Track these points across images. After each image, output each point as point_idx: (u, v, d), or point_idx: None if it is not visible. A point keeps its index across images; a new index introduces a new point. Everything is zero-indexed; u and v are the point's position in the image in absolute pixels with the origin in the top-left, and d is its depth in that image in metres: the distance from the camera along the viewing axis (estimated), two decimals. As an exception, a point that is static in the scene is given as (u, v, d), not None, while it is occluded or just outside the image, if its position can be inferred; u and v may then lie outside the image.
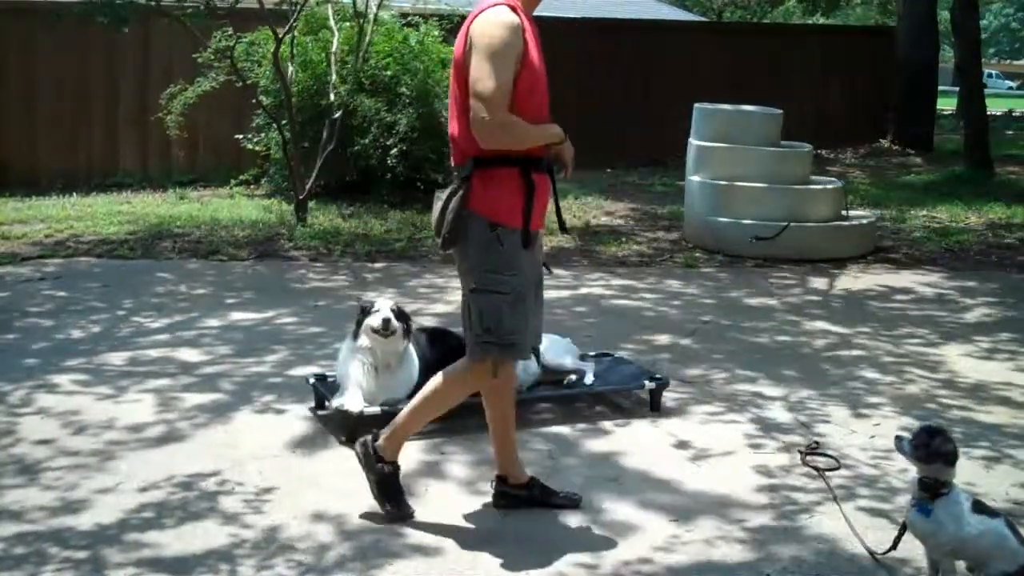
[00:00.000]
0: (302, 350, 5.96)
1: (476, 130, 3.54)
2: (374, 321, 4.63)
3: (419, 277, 7.95)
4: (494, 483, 4.00)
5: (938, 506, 3.26)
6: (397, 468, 3.88)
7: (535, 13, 3.72)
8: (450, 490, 4.15)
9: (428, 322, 5.98)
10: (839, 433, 4.81)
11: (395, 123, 10.39)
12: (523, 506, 3.93)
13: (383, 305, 4.69)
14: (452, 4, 12.45)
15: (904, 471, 4.32)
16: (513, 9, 3.58)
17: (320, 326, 6.41)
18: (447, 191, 3.67)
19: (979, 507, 3.30)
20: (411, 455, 4.45)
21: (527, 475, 4.00)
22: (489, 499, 4.02)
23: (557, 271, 8.27)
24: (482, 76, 3.50)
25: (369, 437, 3.87)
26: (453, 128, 3.68)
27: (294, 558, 3.53)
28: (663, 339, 6.36)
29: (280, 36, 9.56)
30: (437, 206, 3.68)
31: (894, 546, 3.47)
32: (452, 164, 3.74)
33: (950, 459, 3.27)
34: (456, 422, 4.80)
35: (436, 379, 3.88)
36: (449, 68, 11.68)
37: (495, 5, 3.58)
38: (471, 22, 3.61)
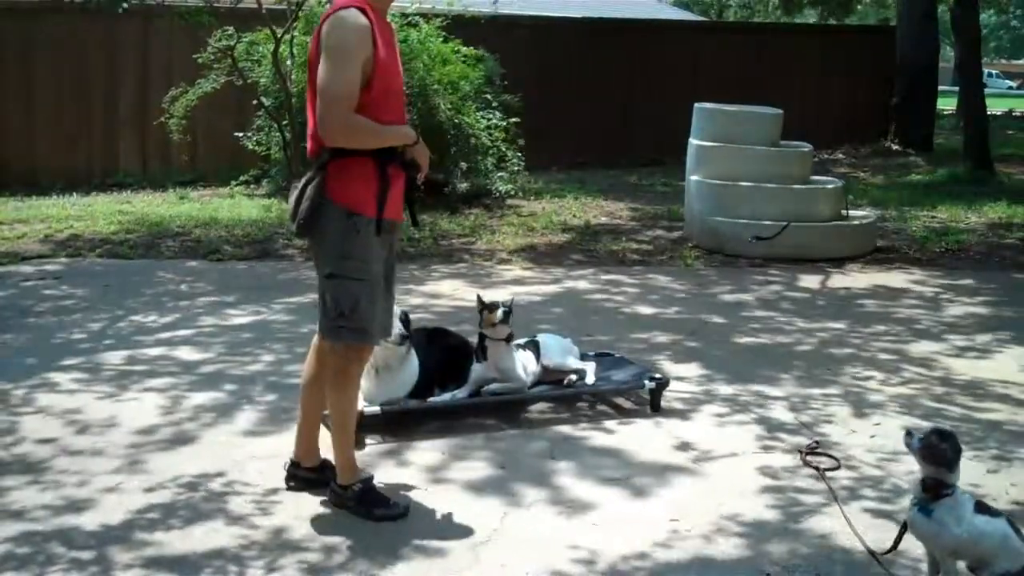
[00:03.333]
0: (302, 349, 5.94)
1: (322, 130, 3.60)
2: (391, 335, 4.59)
3: (418, 277, 7.95)
4: (287, 465, 4.10)
5: (940, 507, 3.26)
6: (367, 482, 3.91)
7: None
8: (450, 490, 4.15)
9: (425, 322, 5.98)
10: (840, 433, 4.82)
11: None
12: (315, 487, 4.01)
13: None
14: (453, 4, 12.45)
15: (909, 473, 4.33)
16: (363, 11, 3.61)
17: (321, 326, 6.41)
18: (303, 180, 3.73)
19: (982, 507, 3.30)
20: (411, 456, 4.46)
21: (320, 460, 4.09)
22: (489, 500, 4.04)
23: (557, 271, 8.28)
24: (328, 78, 3.56)
25: (333, 483, 3.93)
26: (310, 122, 3.74)
27: (302, 558, 3.54)
28: (663, 338, 6.37)
29: (279, 36, 9.56)
30: (293, 195, 3.74)
31: (895, 546, 3.47)
32: (308, 153, 3.80)
33: (953, 463, 3.27)
34: (456, 422, 4.81)
35: (331, 408, 3.93)
36: (449, 66, 11.74)
37: (346, 7, 3.61)
38: (323, 22, 3.66)
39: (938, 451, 3.27)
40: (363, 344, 3.87)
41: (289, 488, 4.07)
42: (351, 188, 3.67)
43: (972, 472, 4.33)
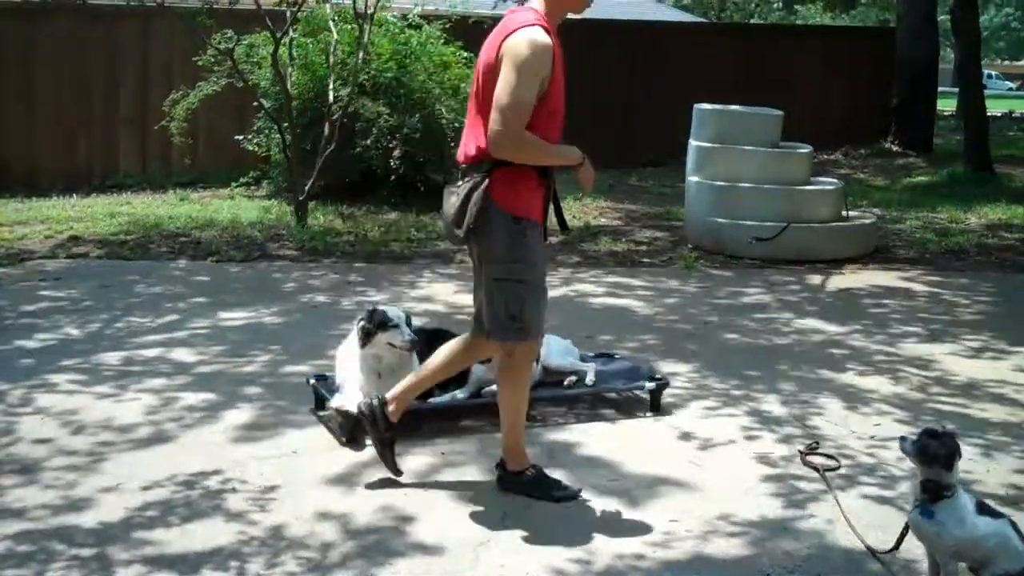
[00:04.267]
0: (301, 350, 5.96)
1: (491, 141, 3.70)
2: (396, 339, 4.57)
3: (418, 279, 7.96)
4: (497, 468, 4.14)
5: (940, 508, 3.26)
6: (538, 469, 4.10)
7: None
8: (450, 491, 4.15)
9: (425, 323, 5.97)
10: (838, 433, 4.82)
11: (398, 126, 10.40)
12: (521, 492, 4.06)
13: (399, 318, 4.63)
14: (453, 5, 12.44)
15: (903, 459, 4.34)
16: (547, 31, 3.71)
17: (319, 327, 6.41)
18: (464, 185, 3.83)
19: (983, 508, 3.31)
20: (411, 456, 4.46)
21: (528, 463, 4.13)
22: (489, 500, 4.04)
23: (556, 271, 8.28)
24: (507, 92, 3.65)
25: (375, 400, 4.15)
26: (473, 128, 3.85)
27: (301, 555, 3.54)
28: (663, 339, 6.37)
29: (278, 37, 9.56)
30: (452, 200, 3.85)
31: (896, 546, 3.47)
32: (463, 158, 3.89)
33: (949, 462, 3.27)
34: (455, 423, 4.81)
35: (446, 349, 4.19)
36: (450, 69, 11.73)
37: (532, 25, 3.69)
38: (507, 35, 3.72)
39: (933, 452, 3.27)
40: (529, 343, 3.99)
41: (503, 491, 4.12)
42: (519, 195, 3.79)
43: (970, 472, 4.34)
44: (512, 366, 4.01)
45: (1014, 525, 3.29)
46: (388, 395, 4.19)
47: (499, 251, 3.82)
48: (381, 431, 4.14)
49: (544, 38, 3.69)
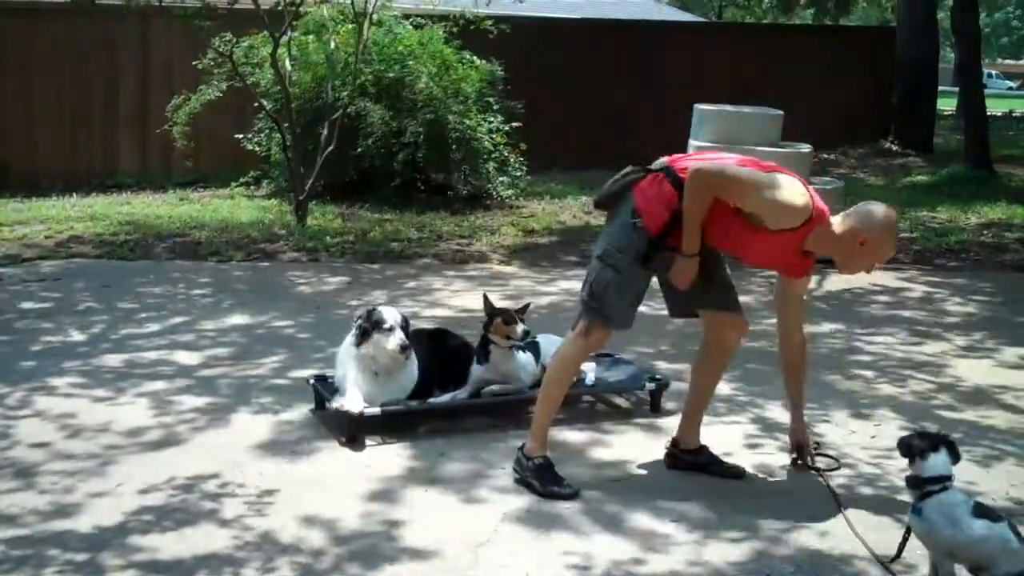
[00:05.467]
0: (301, 352, 5.96)
1: (709, 169, 3.95)
2: (390, 343, 4.59)
3: (418, 279, 7.95)
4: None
5: (928, 505, 3.27)
6: (547, 459, 4.18)
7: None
8: (450, 491, 4.14)
9: (426, 324, 5.97)
10: (838, 434, 4.81)
11: (402, 129, 10.40)
12: (521, 474, 4.20)
13: (393, 320, 4.64)
14: (454, 5, 12.43)
15: (906, 470, 4.33)
16: (811, 217, 3.94)
17: (319, 327, 6.41)
18: (627, 169, 4.16)
19: (981, 510, 3.29)
20: (411, 456, 4.46)
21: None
22: (489, 501, 4.05)
23: (557, 272, 8.27)
24: (754, 177, 3.96)
25: (519, 451, 4.24)
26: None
27: (296, 560, 3.53)
28: (663, 339, 6.36)
29: (277, 37, 9.55)
30: (617, 176, 4.16)
31: (899, 552, 3.46)
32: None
33: (922, 453, 3.30)
34: (455, 423, 4.81)
35: (552, 362, 4.33)
36: (452, 70, 11.68)
37: (811, 203, 3.95)
38: None
39: (909, 445, 3.34)
40: (601, 326, 4.11)
41: (669, 467, 4.35)
42: (651, 199, 4.00)
43: (969, 473, 4.34)
44: (577, 342, 4.15)
45: (1013, 527, 3.27)
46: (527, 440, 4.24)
47: (611, 234, 4.09)
48: (528, 469, 4.17)
49: (806, 213, 3.92)
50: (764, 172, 3.97)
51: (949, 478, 3.32)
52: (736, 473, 4.30)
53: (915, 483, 3.33)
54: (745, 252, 4.17)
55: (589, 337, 4.14)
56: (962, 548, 3.24)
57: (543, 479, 4.10)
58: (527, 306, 4.97)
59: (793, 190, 3.91)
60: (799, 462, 4.37)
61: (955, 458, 3.38)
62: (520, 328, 4.76)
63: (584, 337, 4.14)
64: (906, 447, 3.37)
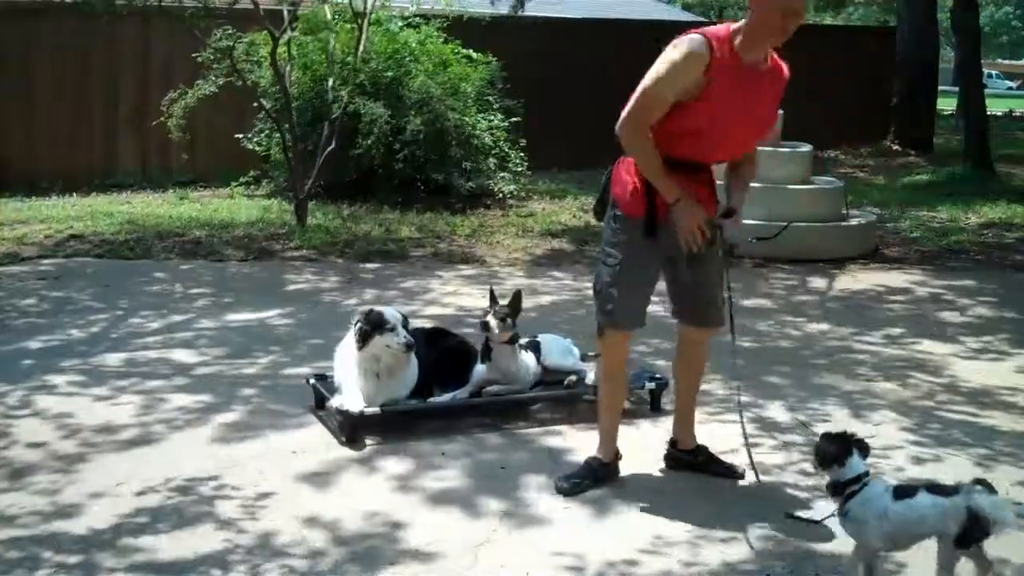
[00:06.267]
0: (300, 351, 5.96)
1: (620, 120, 3.93)
2: (395, 342, 4.59)
3: (418, 278, 7.94)
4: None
5: (853, 505, 3.28)
6: (607, 463, 4.21)
7: None
8: (450, 491, 4.14)
9: (425, 324, 5.97)
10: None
11: (401, 127, 10.40)
12: (689, 469, 4.30)
13: (395, 320, 4.63)
14: (451, 4, 12.43)
15: (902, 470, 4.34)
16: (710, 44, 3.76)
17: (319, 327, 6.40)
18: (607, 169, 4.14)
19: (900, 492, 3.30)
20: (411, 456, 4.45)
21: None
22: (489, 500, 4.04)
23: (557, 272, 8.27)
24: (643, 80, 3.88)
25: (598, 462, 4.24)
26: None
27: (290, 564, 3.51)
28: (662, 339, 6.34)
29: (277, 37, 9.55)
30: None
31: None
32: None
33: (840, 458, 3.30)
34: (456, 423, 4.81)
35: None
36: (450, 68, 11.71)
37: (699, 34, 3.83)
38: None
39: (823, 452, 3.33)
40: (609, 326, 4.11)
41: (669, 468, 4.35)
42: (619, 186, 4.02)
43: (968, 473, 4.33)
44: (603, 352, 4.23)
45: (934, 487, 3.30)
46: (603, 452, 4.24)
47: (603, 232, 4.11)
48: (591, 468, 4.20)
49: (692, 47, 3.76)
50: (656, 66, 3.89)
51: (867, 473, 3.34)
52: (734, 473, 4.29)
53: (837, 489, 3.33)
54: (719, 140, 3.92)
55: (604, 340, 4.15)
56: (901, 534, 3.27)
57: (577, 480, 4.14)
58: (516, 295, 4.89)
59: (675, 44, 3.84)
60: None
61: (865, 454, 3.39)
62: (492, 320, 4.74)
63: (600, 341, 4.17)
64: (824, 456, 3.35)
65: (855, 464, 3.32)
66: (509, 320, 4.80)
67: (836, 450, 3.33)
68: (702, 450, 4.37)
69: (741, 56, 3.82)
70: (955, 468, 4.41)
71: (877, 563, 3.32)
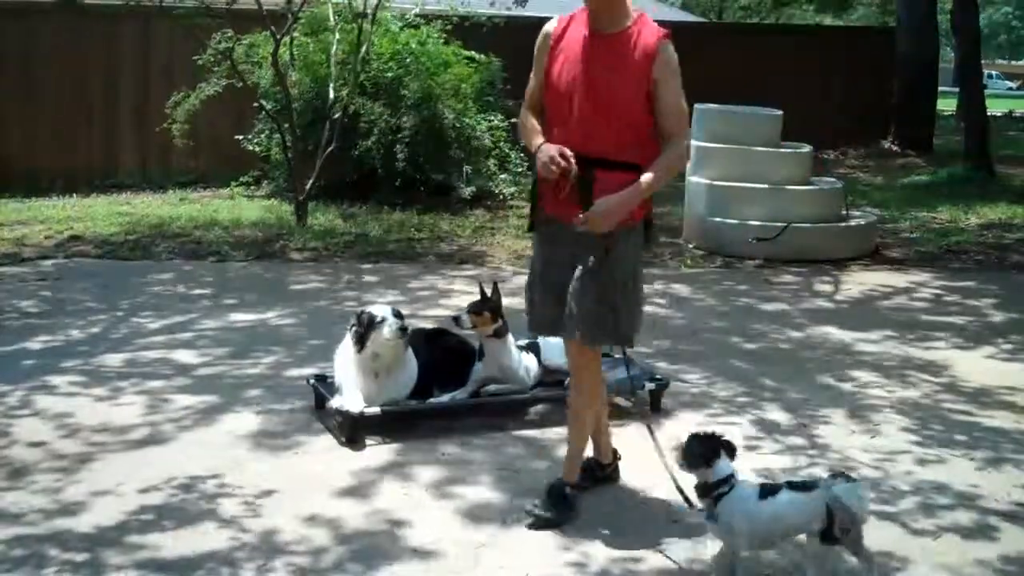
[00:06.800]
0: (301, 351, 5.96)
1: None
2: (385, 332, 4.60)
3: (418, 279, 7.95)
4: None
5: (722, 507, 3.29)
6: (575, 487, 3.97)
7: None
8: (450, 491, 4.14)
9: (427, 324, 5.97)
10: (839, 434, 4.81)
11: (401, 127, 10.40)
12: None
13: (386, 312, 4.66)
14: (452, 5, 12.43)
15: (908, 473, 4.34)
16: (567, 18, 3.78)
17: (319, 327, 6.40)
18: None
19: (765, 492, 3.33)
20: (411, 456, 4.46)
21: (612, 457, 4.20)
22: (489, 501, 4.05)
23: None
24: None
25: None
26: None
27: (293, 561, 3.53)
28: (663, 340, 6.36)
29: (279, 37, 9.55)
30: None
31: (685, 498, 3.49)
32: None
33: (707, 459, 3.32)
34: (456, 423, 4.81)
35: None
36: (451, 69, 11.70)
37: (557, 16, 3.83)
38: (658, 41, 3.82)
39: (692, 453, 3.34)
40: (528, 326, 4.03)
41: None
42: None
43: (970, 475, 4.34)
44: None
45: (797, 484, 3.34)
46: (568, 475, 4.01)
47: None
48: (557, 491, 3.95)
49: (551, 24, 3.80)
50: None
51: (733, 475, 3.35)
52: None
53: (706, 490, 3.34)
54: (557, 114, 3.73)
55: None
56: (767, 533, 3.30)
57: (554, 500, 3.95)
58: (494, 287, 4.88)
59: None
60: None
61: (733, 455, 3.41)
62: (463, 315, 4.80)
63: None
64: (693, 458, 3.36)
65: (723, 466, 3.33)
66: (486, 313, 4.80)
67: (704, 451, 3.34)
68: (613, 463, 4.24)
69: (591, 24, 3.73)
70: (956, 468, 4.42)
71: (741, 564, 3.34)
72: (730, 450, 3.38)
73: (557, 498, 3.90)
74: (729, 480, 3.31)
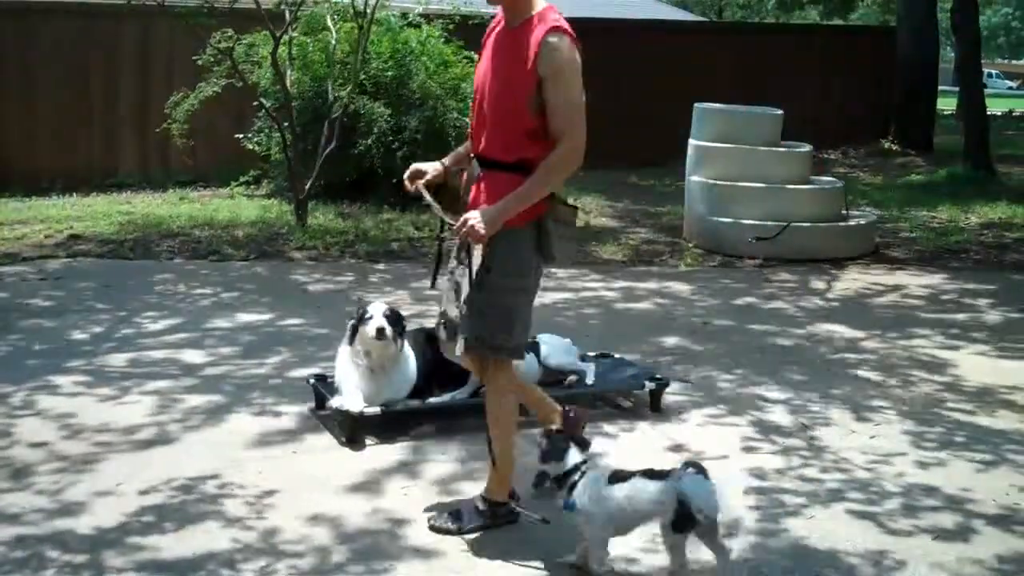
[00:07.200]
0: (302, 351, 5.96)
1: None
2: (368, 330, 4.62)
3: (418, 278, 7.94)
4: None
5: (576, 496, 3.37)
6: (507, 504, 3.81)
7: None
8: (450, 491, 4.14)
9: (426, 323, 5.97)
10: (838, 434, 4.81)
11: (402, 126, 10.40)
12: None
13: (376, 311, 4.67)
14: (454, 5, 12.43)
15: (900, 475, 4.34)
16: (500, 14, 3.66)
17: (320, 327, 6.41)
18: None
19: (615, 478, 3.41)
20: (411, 457, 4.46)
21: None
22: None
23: (557, 272, 8.28)
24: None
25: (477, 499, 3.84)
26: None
27: (294, 562, 3.53)
28: (663, 339, 6.36)
29: (278, 37, 9.55)
30: None
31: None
32: None
33: (561, 453, 3.40)
34: (453, 422, 4.81)
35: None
36: (451, 68, 11.69)
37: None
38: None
39: (543, 447, 3.44)
40: None
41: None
42: None
43: (967, 473, 4.34)
44: None
45: (653, 473, 3.37)
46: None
47: None
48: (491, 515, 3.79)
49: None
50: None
51: (585, 462, 3.44)
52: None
53: (560, 482, 3.42)
54: (474, 110, 3.72)
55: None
56: (619, 519, 3.37)
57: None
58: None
59: None
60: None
61: (584, 446, 3.50)
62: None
63: None
64: (548, 452, 3.43)
65: (573, 455, 3.43)
66: None
67: (556, 446, 3.43)
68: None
69: (505, 17, 3.63)
70: (956, 468, 4.42)
71: (604, 550, 3.41)
72: (581, 444, 3.49)
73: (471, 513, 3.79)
74: (579, 468, 3.42)
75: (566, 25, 3.52)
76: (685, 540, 3.31)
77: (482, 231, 3.45)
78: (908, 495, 4.14)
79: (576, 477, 3.41)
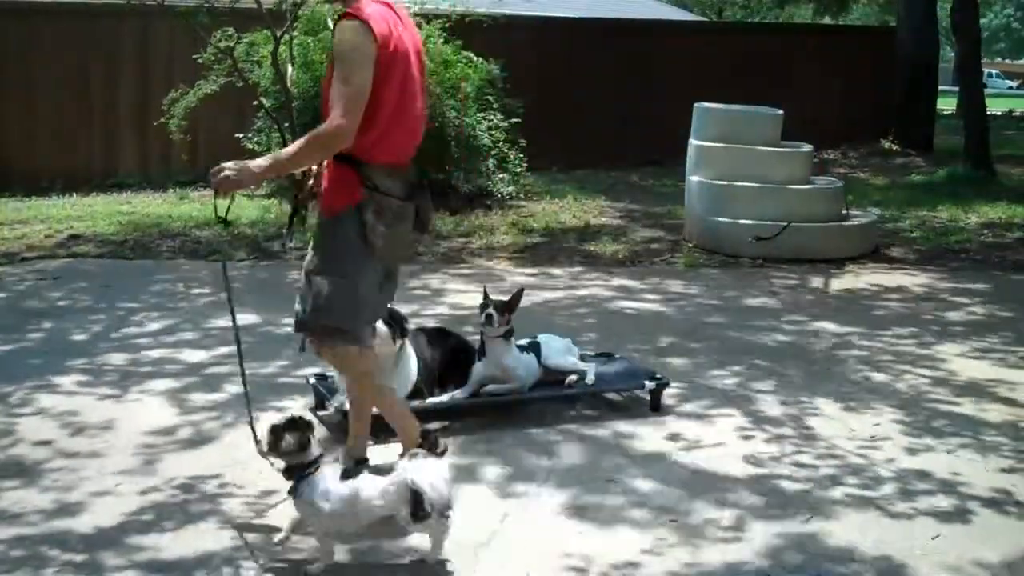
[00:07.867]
0: (301, 352, 5.95)
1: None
2: None
3: (418, 278, 7.95)
4: None
5: (304, 488, 3.41)
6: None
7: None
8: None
9: (427, 323, 5.98)
10: (836, 432, 4.81)
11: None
12: None
13: None
14: (454, 5, 12.44)
15: (890, 462, 4.34)
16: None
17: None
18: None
19: (345, 475, 3.47)
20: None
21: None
22: (489, 501, 4.05)
23: (557, 271, 8.29)
24: None
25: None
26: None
27: (296, 559, 3.53)
28: (663, 339, 6.36)
29: (279, 36, 9.56)
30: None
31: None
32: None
33: (285, 452, 3.43)
34: (456, 423, 4.81)
35: None
36: (451, 68, 11.68)
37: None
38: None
39: (282, 439, 3.43)
40: None
41: None
42: None
43: (960, 466, 4.34)
44: None
45: (378, 469, 3.48)
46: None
47: None
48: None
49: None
50: None
51: (321, 456, 3.48)
52: None
53: (291, 472, 3.45)
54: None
55: None
56: (348, 515, 3.40)
57: None
58: (518, 292, 4.90)
59: None
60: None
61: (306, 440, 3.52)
62: (495, 314, 4.76)
63: None
64: (282, 453, 3.45)
65: (313, 450, 3.46)
66: (507, 315, 4.81)
67: (296, 439, 3.43)
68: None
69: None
70: (952, 466, 4.42)
71: (332, 545, 3.47)
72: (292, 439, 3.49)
73: None
74: (317, 462, 3.45)
75: (367, 12, 3.57)
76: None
77: (229, 177, 3.60)
78: (896, 480, 4.14)
79: (312, 470, 3.43)
